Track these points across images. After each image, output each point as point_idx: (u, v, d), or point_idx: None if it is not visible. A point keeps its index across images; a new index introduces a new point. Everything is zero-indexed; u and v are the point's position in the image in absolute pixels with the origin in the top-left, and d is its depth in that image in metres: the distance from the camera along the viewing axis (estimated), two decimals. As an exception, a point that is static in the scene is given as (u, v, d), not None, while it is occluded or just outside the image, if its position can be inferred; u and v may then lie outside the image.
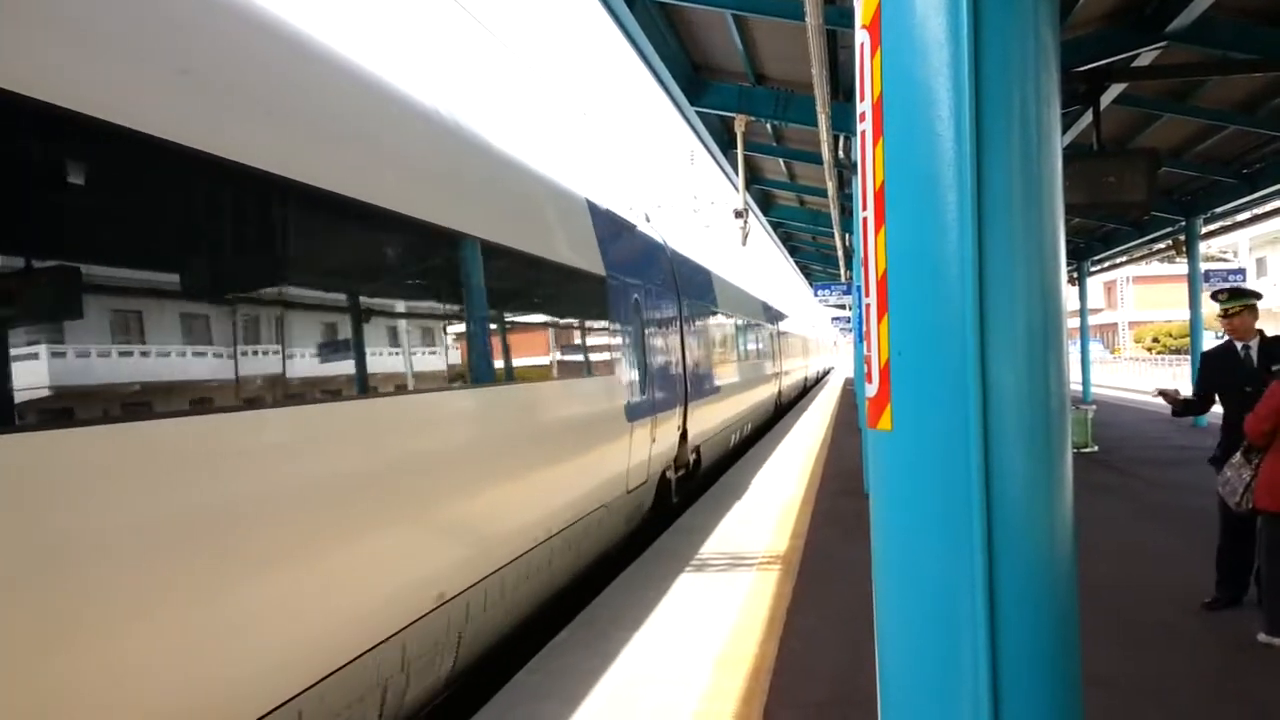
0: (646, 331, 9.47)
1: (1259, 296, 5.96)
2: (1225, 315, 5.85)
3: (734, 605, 6.29)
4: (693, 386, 11.52)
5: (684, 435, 11.01)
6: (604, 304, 8.07)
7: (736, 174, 11.84)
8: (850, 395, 31.76)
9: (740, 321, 17.51)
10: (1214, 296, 6.02)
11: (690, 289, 12.43)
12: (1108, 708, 4.30)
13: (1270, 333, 5.96)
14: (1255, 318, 5.83)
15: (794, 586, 6.71)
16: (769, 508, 10.22)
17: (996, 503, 1.97)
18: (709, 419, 12.76)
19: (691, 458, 11.56)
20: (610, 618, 6.10)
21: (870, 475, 2.25)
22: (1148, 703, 4.41)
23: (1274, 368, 5.33)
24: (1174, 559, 7.08)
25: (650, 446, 9.25)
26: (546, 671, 5.13)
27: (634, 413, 8.56)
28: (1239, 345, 5.85)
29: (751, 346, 19.09)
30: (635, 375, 8.83)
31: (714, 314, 14.41)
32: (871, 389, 2.17)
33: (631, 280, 9.11)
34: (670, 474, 10.56)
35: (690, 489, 11.81)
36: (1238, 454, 5.49)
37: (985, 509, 1.96)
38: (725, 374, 14.78)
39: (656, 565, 7.57)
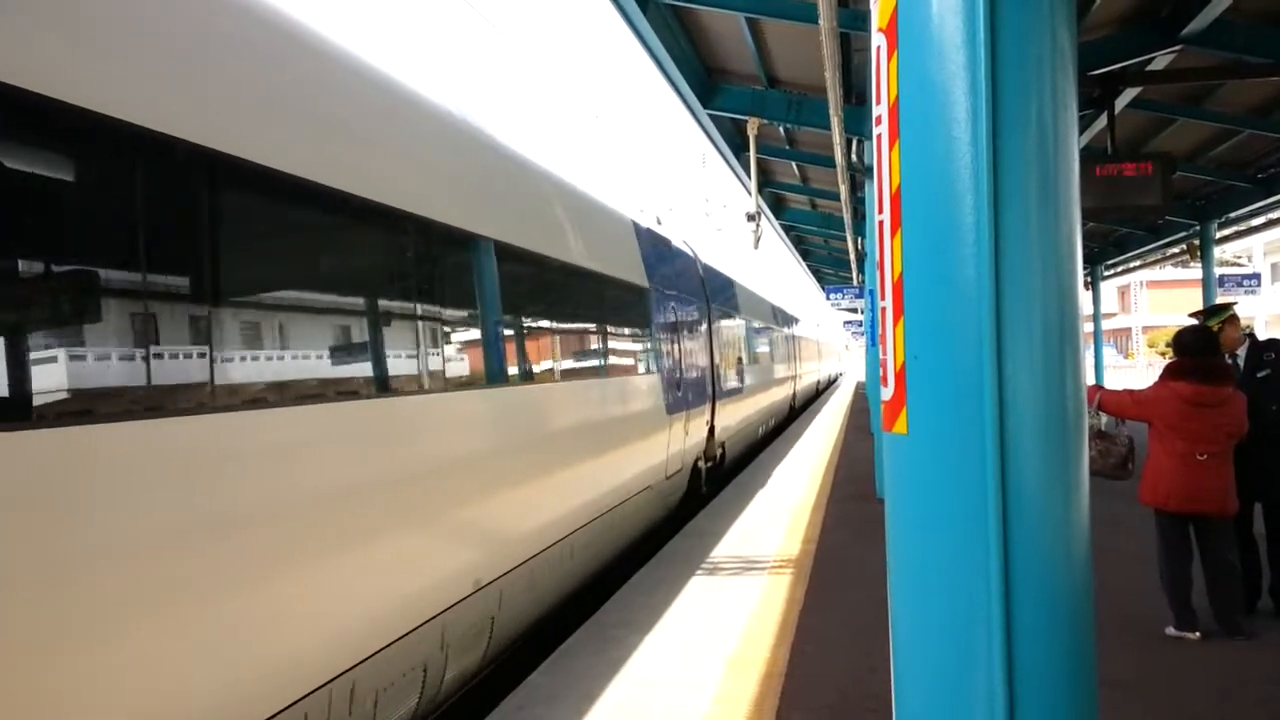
0: None
1: (1233, 307, 6.08)
2: None
3: (746, 609, 6.27)
4: None
5: None
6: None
7: (749, 177, 11.83)
8: (861, 400, 31.65)
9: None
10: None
11: None
12: (1124, 710, 4.28)
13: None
14: (1238, 328, 5.91)
15: (806, 590, 6.70)
16: (780, 512, 10.20)
17: (1012, 506, 1.96)
18: None
19: None
20: (622, 621, 6.10)
21: (885, 479, 2.25)
22: (1164, 704, 4.39)
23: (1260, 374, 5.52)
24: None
25: None
26: (558, 674, 5.13)
27: None
28: (1228, 357, 5.87)
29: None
30: None
31: None
32: (887, 393, 2.17)
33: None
34: None
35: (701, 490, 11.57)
36: (1090, 433, 5.65)
37: (1001, 513, 1.96)
38: None
39: (668, 569, 7.56)
